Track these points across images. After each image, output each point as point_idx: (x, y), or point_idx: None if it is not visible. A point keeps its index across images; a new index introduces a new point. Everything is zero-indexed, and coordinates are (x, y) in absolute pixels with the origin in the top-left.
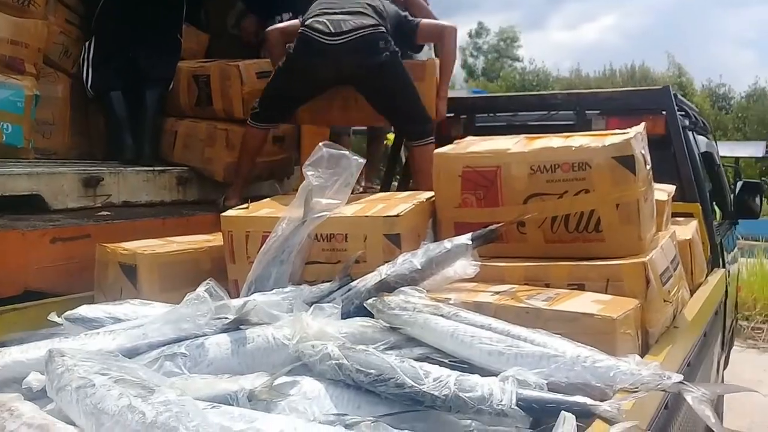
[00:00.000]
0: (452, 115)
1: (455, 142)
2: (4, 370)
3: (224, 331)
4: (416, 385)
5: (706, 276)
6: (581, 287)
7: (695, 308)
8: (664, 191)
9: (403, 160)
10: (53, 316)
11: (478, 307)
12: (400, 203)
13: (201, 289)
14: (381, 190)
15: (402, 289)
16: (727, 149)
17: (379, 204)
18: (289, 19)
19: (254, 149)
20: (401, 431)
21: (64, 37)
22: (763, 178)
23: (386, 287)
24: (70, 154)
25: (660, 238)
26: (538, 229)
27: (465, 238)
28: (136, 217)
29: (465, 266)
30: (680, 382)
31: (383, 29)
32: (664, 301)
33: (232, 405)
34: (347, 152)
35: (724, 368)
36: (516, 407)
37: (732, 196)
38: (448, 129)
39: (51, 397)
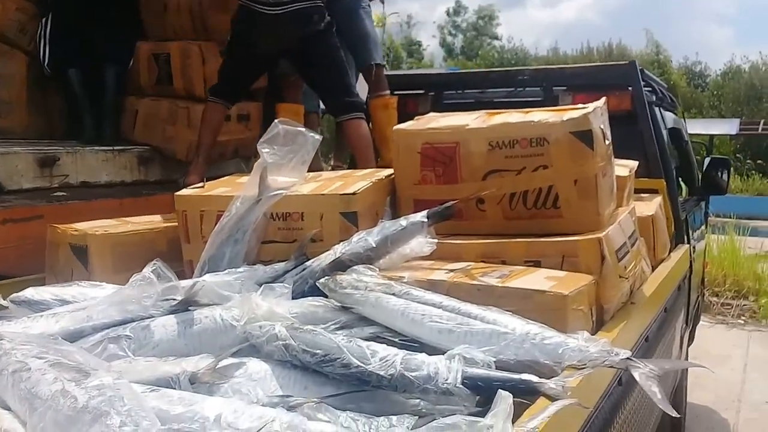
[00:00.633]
0: (420, 92)
1: (416, 118)
2: None
3: (171, 312)
4: (362, 365)
5: (670, 252)
6: (537, 264)
7: (655, 284)
8: (625, 167)
9: None
10: None
11: (432, 285)
12: (358, 181)
13: (147, 270)
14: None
15: (355, 267)
16: (701, 126)
17: (336, 182)
18: None
19: (214, 125)
20: (346, 412)
21: (19, 14)
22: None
23: (341, 266)
24: (29, 133)
25: (619, 213)
26: (497, 206)
27: (420, 216)
28: (94, 197)
29: (421, 244)
30: (628, 358)
31: (320, 3)
32: (620, 277)
33: (174, 388)
34: (303, 129)
35: (689, 344)
36: (461, 386)
37: (700, 172)
38: (415, 106)
39: None
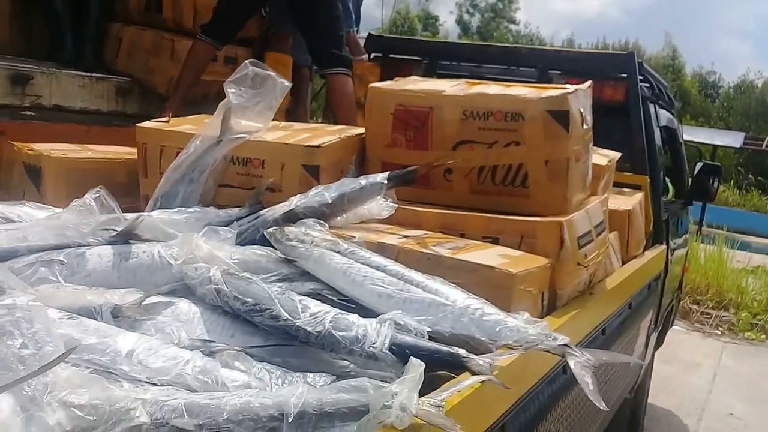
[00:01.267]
0: (415, 58)
1: (395, 78)
2: None
3: (109, 243)
4: (291, 318)
5: (644, 250)
6: (496, 241)
7: (620, 278)
8: (605, 156)
9: None
10: None
11: (381, 249)
12: (326, 135)
13: (89, 197)
14: None
15: (304, 221)
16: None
17: (303, 134)
18: None
19: (199, 65)
20: (263, 363)
21: None
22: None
23: (294, 218)
24: (7, 49)
25: (589, 202)
26: (465, 178)
27: (381, 177)
28: (63, 122)
29: (381, 207)
30: (565, 345)
31: None
32: (579, 264)
33: (96, 319)
34: (273, 73)
35: (658, 347)
36: (387, 351)
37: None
38: (409, 71)
39: None
